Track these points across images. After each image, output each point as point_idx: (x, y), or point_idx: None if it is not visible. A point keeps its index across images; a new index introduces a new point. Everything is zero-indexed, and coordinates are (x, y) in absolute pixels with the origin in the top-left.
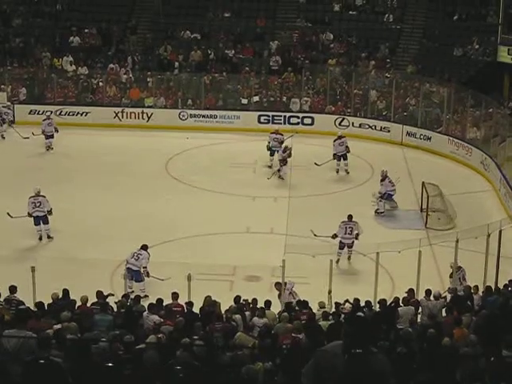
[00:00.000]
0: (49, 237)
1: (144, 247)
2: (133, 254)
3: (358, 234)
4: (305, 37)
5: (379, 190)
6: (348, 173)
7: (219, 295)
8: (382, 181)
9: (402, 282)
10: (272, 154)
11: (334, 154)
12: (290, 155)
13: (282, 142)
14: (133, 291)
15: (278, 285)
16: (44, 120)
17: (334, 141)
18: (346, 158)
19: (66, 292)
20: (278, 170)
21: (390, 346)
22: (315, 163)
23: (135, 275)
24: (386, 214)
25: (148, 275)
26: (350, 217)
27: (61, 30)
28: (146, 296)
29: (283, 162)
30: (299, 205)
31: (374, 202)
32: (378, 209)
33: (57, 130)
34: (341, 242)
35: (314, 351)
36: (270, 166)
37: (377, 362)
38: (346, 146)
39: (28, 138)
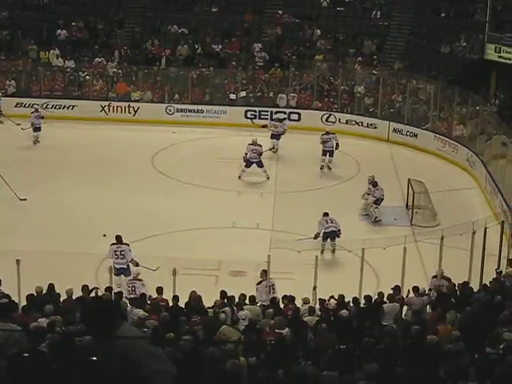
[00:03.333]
0: None
1: (119, 239)
2: (115, 254)
3: (339, 231)
4: (292, 32)
5: (374, 195)
6: (330, 169)
7: (204, 290)
8: (374, 186)
9: (387, 279)
10: (248, 166)
11: (323, 142)
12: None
13: (260, 154)
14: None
15: (263, 273)
16: (32, 113)
17: (322, 135)
18: (331, 155)
19: (51, 286)
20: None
21: (375, 342)
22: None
23: (125, 272)
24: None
25: (138, 265)
26: (325, 214)
27: (48, 23)
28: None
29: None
30: (285, 200)
31: (367, 211)
32: (376, 217)
33: (42, 117)
34: (324, 232)
35: (298, 346)
36: (239, 177)
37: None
38: (337, 143)
39: (20, 124)
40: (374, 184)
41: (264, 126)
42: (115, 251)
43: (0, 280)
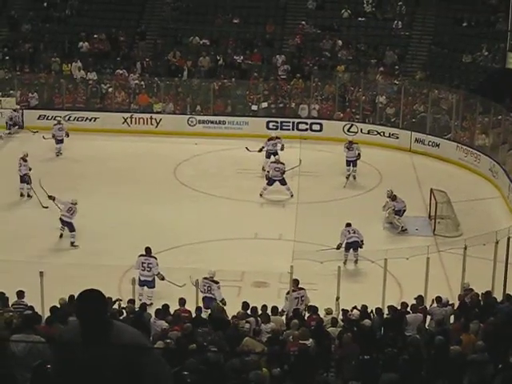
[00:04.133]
0: (29, 195)
1: (148, 251)
2: (142, 266)
3: (362, 242)
4: (313, 43)
5: (395, 208)
6: (355, 179)
7: (227, 301)
8: (393, 200)
9: (410, 289)
10: (270, 184)
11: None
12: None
13: (283, 172)
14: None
15: (294, 282)
16: (55, 125)
17: (345, 146)
18: (355, 165)
19: (73, 298)
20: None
21: (398, 353)
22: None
23: (148, 284)
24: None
25: (163, 279)
26: (348, 224)
27: (70, 36)
28: (151, 303)
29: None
30: (307, 211)
31: (390, 220)
32: (402, 226)
33: (67, 135)
34: (347, 243)
35: (321, 357)
36: (260, 195)
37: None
38: (358, 153)
39: (37, 131)
40: (393, 198)
41: (260, 150)
42: (143, 263)
43: (24, 292)
